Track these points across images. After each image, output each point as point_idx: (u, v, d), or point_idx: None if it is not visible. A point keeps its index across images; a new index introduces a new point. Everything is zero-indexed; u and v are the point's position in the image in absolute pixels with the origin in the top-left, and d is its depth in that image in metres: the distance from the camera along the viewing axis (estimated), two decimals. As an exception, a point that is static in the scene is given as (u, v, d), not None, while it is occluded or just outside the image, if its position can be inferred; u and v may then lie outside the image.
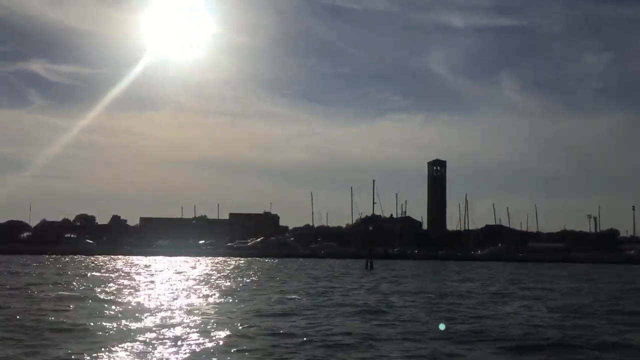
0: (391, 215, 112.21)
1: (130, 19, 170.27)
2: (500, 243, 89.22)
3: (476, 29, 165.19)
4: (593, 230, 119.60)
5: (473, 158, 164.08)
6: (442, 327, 10.16)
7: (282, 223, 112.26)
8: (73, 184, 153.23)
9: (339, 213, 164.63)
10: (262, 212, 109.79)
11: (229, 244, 78.00)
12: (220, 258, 62.01)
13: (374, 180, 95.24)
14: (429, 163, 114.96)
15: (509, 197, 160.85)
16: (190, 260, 54.64)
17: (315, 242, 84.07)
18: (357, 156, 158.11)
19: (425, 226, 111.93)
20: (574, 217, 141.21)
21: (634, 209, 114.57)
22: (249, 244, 76.63)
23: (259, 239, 76.33)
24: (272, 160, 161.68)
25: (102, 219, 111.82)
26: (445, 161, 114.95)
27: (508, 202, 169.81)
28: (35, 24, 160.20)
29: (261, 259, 58.59)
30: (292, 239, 79.47)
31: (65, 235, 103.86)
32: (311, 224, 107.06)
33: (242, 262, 52.53)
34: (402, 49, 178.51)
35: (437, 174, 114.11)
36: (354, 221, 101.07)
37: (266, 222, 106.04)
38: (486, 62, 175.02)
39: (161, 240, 80.00)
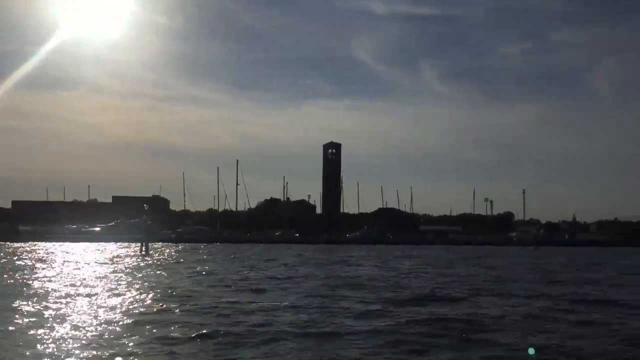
0: (287, 198, 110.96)
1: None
2: (378, 226, 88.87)
3: (398, 16, 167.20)
4: (489, 213, 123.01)
5: (390, 144, 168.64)
6: (531, 351, 7.87)
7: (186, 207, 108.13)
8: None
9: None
10: (150, 195, 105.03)
11: (89, 228, 73.20)
12: (71, 243, 57.81)
13: (237, 160, 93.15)
14: (324, 146, 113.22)
15: (419, 182, 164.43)
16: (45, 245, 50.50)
17: (184, 225, 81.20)
18: (278, 142, 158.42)
19: (319, 210, 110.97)
20: (479, 202, 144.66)
21: (524, 193, 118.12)
22: (96, 229, 72.42)
23: (112, 223, 72.20)
24: (193, 145, 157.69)
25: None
26: (340, 144, 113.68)
27: (417, 186, 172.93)
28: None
29: (106, 244, 54.80)
30: (149, 222, 75.54)
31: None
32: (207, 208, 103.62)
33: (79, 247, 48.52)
34: (327, 34, 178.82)
35: (332, 156, 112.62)
36: (218, 205, 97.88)
37: (154, 206, 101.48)
38: (407, 50, 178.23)
39: (22, 226, 74.28)
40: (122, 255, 32.20)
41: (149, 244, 36.16)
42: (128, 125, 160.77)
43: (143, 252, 33.22)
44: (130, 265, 23.13)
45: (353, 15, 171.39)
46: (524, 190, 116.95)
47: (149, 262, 25.14)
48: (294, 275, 19.20)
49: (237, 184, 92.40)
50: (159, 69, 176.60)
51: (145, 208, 46.32)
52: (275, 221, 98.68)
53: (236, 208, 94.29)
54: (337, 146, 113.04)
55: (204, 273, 19.79)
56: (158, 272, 20.11)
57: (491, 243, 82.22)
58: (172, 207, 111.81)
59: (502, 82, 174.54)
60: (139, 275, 18.51)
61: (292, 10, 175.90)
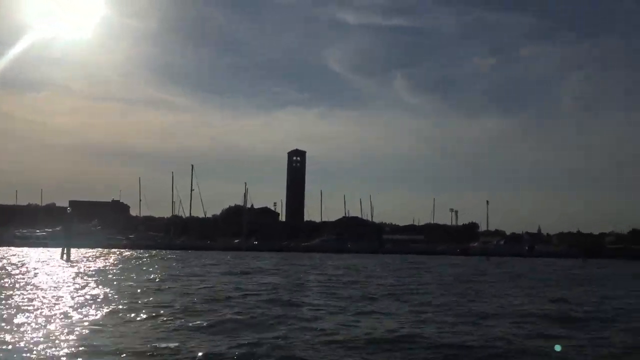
0: (252, 205, 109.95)
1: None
2: (338, 234, 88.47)
3: (370, 27, 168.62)
4: (454, 223, 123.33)
5: (360, 153, 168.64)
6: (558, 348, 8.24)
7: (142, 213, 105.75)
8: None
9: (211, 202, 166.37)
10: (109, 200, 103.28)
11: (39, 233, 71.27)
12: (14, 248, 56.33)
13: (192, 165, 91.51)
14: (288, 153, 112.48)
15: (387, 191, 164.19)
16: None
17: (137, 231, 79.92)
18: (247, 148, 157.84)
19: (283, 217, 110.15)
20: (446, 212, 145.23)
21: (487, 204, 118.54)
22: (37, 232, 70.70)
23: (58, 228, 70.23)
24: (160, 150, 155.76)
25: None
26: (305, 152, 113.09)
27: (385, 196, 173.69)
28: None
29: (49, 249, 53.36)
30: (99, 227, 74.43)
31: None
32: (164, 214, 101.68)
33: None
34: (300, 42, 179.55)
35: (296, 164, 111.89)
36: (172, 211, 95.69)
37: (114, 211, 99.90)
38: (379, 61, 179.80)
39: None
40: (40, 260, 30.80)
41: (71, 249, 34.76)
42: (94, 128, 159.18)
43: (64, 258, 31.85)
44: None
45: (326, 24, 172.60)
46: (487, 201, 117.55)
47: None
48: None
49: (191, 190, 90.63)
50: (129, 72, 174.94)
51: (68, 211, 44.69)
52: (238, 229, 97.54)
53: (190, 214, 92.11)
54: (301, 154, 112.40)
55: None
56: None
57: (452, 253, 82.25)
58: (136, 212, 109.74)
59: (472, 94, 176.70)
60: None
61: (265, 18, 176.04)
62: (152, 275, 21.52)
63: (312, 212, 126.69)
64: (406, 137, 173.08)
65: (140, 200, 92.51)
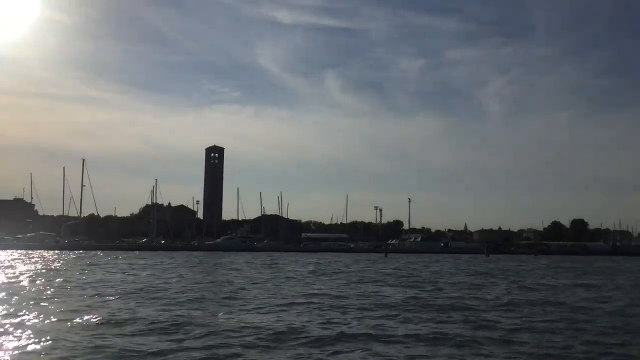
0: (169, 203, 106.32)
1: None
2: (244, 232, 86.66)
3: (303, 26, 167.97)
4: (379, 221, 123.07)
5: (290, 151, 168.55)
6: None
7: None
8: None
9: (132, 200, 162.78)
10: (12, 198, 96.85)
11: None
12: None
13: (83, 160, 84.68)
14: (206, 149, 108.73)
15: (316, 190, 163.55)
16: None
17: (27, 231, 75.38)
18: (178, 145, 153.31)
19: (201, 215, 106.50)
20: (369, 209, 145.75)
21: (409, 202, 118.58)
22: None
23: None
24: (93, 148, 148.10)
25: None
26: (223, 148, 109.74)
27: (314, 194, 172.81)
28: None
29: None
30: None
31: None
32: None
33: None
34: (232, 40, 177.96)
35: (214, 160, 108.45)
36: (63, 210, 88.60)
37: (17, 210, 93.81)
38: (312, 60, 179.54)
39: None
40: None
41: None
42: (14, 125, 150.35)
43: None
44: None
45: (259, 23, 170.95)
46: (409, 199, 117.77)
47: None
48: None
49: (82, 186, 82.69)
50: (58, 68, 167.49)
51: None
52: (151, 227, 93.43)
53: (80, 213, 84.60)
54: (219, 150, 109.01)
55: None
56: None
57: (366, 250, 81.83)
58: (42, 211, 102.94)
59: (401, 95, 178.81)
60: None
61: (196, 15, 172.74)
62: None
63: (233, 210, 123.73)
64: (336, 135, 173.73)
65: (32, 197, 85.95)
